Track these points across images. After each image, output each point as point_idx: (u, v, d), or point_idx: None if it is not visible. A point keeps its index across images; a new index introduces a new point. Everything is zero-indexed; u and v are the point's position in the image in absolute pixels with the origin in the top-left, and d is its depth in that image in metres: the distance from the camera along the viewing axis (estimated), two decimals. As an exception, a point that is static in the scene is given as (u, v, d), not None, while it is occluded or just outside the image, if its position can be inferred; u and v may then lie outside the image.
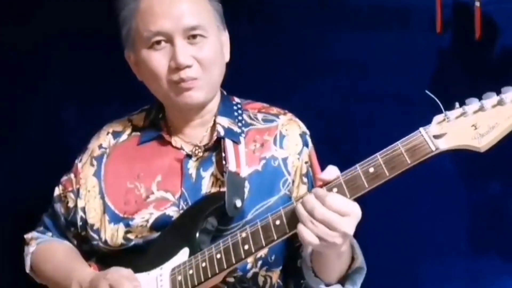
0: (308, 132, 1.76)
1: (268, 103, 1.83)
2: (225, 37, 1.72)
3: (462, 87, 2.44)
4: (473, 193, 2.44)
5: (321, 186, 1.44)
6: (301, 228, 1.39)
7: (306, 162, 1.72)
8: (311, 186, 1.72)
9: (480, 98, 1.37)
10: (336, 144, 2.48)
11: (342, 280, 1.57)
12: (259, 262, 1.66)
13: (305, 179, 1.71)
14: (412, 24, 2.50)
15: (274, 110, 1.78)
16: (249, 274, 1.66)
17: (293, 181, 1.69)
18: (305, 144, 1.72)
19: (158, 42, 1.60)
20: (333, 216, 1.37)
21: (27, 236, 1.88)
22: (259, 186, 1.64)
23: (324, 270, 1.55)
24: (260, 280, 1.68)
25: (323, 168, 1.78)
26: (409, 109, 2.52)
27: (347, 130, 2.60)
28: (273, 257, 1.66)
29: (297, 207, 1.41)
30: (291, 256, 1.71)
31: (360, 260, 1.59)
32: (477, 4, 2.30)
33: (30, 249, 1.84)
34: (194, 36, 1.61)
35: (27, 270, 1.84)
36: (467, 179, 2.30)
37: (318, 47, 2.65)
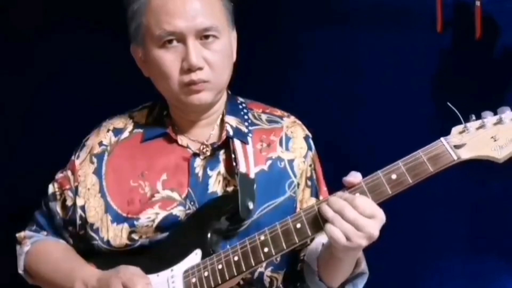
0: (310, 135, 1.76)
1: (269, 103, 1.83)
2: (234, 36, 1.70)
3: (462, 87, 2.45)
4: (473, 193, 2.44)
5: (344, 189, 1.47)
6: (330, 227, 1.42)
7: (310, 165, 1.72)
8: (315, 189, 1.73)
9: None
10: (336, 144, 2.48)
11: (343, 284, 1.60)
12: (265, 262, 1.64)
13: (309, 182, 1.72)
14: (412, 24, 2.50)
15: (278, 111, 1.78)
16: (256, 274, 1.65)
17: (298, 184, 1.69)
18: (309, 147, 1.74)
19: (170, 41, 1.58)
20: (361, 218, 1.41)
21: (19, 235, 1.83)
22: (265, 186, 1.64)
23: (330, 275, 1.58)
24: (266, 280, 1.68)
25: (325, 170, 1.79)
26: (409, 108, 2.53)
27: (347, 130, 2.60)
28: (278, 258, 1.65)
29: (324, 207, 1.44)
30: (291, 260, 1.71)
31: (363, 266, 1.62)
32: (478, 3, 2.30)
33: (24, 248, 1.79)
34: (206, 37, 1.58)
35: (20, 270, 1.79)
36: (467, 178, 2.30)
37: (318, 47, 2.65)
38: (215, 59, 1.60)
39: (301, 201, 1.71)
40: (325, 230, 1.43)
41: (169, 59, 1.59)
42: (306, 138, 1.74)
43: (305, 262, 1.67)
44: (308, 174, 1.72)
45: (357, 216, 1.41)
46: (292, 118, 1.77)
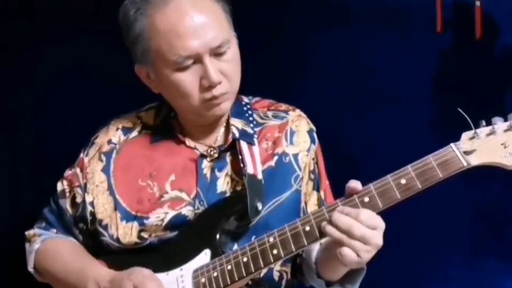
0: (315, 128, 1.77)
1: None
2: (236, 38, 1.69)
3: (462, 87, 2.45)
4: (473, 193, 2.44)
5: (351, 194, 1.47)
6: (341, 248, 1.43)
7: (313, 159, 1.73)
8: (317, 183, 1.74)
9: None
10: (336, 144, 2.48)
11: (341, 280, 1.60)
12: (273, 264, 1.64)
13: (312, 176, 1.72)
14: (412, 24, 2.51)
15: (283, 106, 1.79)
16: (264, 270, 1.64)
17: (302, 177, 1.70)
18: (313, 141, 1.74)
19: (187, 64, 1.58)
20: (368, 232, 1.42)
21: (29, 232, 1.83)
22: (272, 182, 1.66)
23: (330, 272, 1.59)
24: (276, 275, 1.68)
25: (327, 169, 1.79)
26: (409, 108, 2.53)
27: (346, 130, 2.60)
28: None
29: (330, 229, 1.45)
30: None
31: None
32: (478, 3, 2.30)
33: (34, 246, 1.79)
34: (220, 51, 1.59)
35: (30, 268, 1.79)
36: (467, 179, 2.30)
37: (317, 48, 2.65)
38: (230, 69, 1.61)
39: (305, 194, 1.71)
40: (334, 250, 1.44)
41: (187, 80, 1.59)
42: (309, 131, 1.75)
43: (303, 257, 1.67)
44: (311, 168, 1.72)
45: (364, 231, 1.41)
46: (298, 111, 1.78)
